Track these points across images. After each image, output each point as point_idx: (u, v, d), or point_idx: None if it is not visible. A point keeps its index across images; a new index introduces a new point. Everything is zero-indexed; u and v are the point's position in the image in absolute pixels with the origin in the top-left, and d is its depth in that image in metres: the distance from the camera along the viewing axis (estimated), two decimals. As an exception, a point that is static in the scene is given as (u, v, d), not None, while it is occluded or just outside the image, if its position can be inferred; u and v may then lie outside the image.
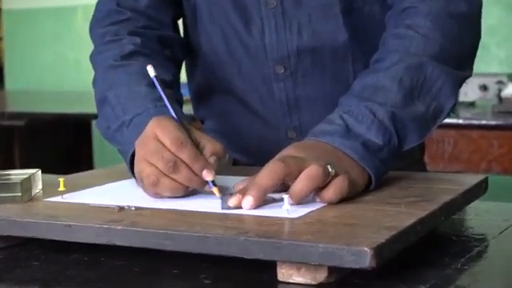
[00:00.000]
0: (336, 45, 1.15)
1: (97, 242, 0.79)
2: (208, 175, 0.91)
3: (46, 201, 0.93)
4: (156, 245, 0.76)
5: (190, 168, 0.90)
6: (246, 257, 0.72)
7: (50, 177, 1.08)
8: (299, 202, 0.84)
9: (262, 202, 0.84)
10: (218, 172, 0.92)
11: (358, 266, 0.68)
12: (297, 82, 1.17)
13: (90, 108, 3.79)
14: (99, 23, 1.21)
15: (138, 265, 0.80)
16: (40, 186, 0.99)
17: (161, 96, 0.97)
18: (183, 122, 0.94)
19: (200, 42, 1.22)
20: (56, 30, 4.37)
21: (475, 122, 2.36)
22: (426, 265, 0.77)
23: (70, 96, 3.93)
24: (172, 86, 1.14)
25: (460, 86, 1.06)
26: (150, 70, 0.95)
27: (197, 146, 0.92)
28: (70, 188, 0.96)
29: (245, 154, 1.25)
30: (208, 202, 0.88)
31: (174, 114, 0.95)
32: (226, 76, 1.21)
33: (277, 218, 0.79)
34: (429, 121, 1.01)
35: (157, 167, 0.90)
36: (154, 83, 0.97)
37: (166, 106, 0.96)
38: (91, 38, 1.23)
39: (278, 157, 0.90)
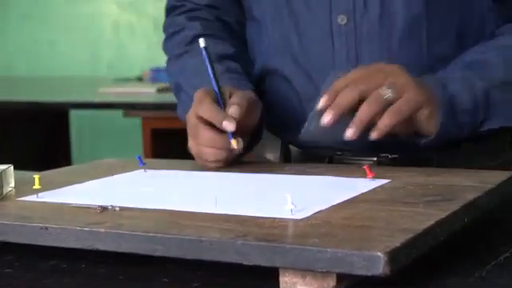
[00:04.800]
0: (408, 3, 1.16)
1: (77, 247, 0.80)
2: (228, 126, 1.05)
3: (20, 200, 0.94)
4: (143, 250, 0.77)
5: (211, 129, 1.06)
6: (244, 263, 0.73)
7: (24, 173, 1.09)
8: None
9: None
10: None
11: (370, 274, 0.69)
12: (361, 37, 1.17)
13: (67, 96, 3.78)
14: (166, 14, 1.39)
15: (124, 272, 0.80)
16: (12, 184, 0.99)
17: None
18: (219, 86, 1.10)
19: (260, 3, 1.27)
20: (27, 8, 4.36)
21: None
22: (445, 272, 0.78)
23: (45, 82, 3.93)
24: (237, 58, 1.27)
25: None
26: (201, 42, 1.12)
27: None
28: (46, 186, 0.97)
29: (298, 128, 1.25)
30: (202, 201, 0.88)
31: (214, 84, 1.11)
32: (281, 36, 1.23)
33: (279, 219, 0.80)
34: None
35: (193, 139, 1.09)
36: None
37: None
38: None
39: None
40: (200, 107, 1.08)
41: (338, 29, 1.18)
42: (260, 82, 1.29)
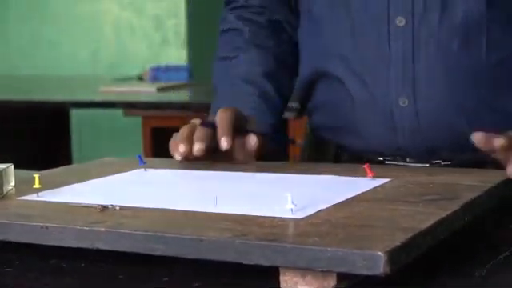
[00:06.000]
0: (470, 7, 1.14)
1: (77, 246, 0.80)
2: (223, 143, 1.11)
3: (20, 199, 0.94)
4: (144, 249, 0.77)
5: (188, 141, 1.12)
6: (244, 262, 0.73)
7: (24, 172, 1.09)
8: None
9: None
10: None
11: (370, 273, 0.69)
12: (419, 40, 1.16)
13: (68, 95, 3.79)
14: (224, 7, 1.41)
15: (124, 271, 0.80)
16: (12, 183, 0.99)
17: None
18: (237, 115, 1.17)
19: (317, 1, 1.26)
20: (27, 7, 4.36)
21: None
22: (445, 272, 0.78)
23: (45, 81, 3.93)
24: (277, 74, 1.31)
25: None
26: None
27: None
28: (47, 185, 0.97)
29: (347, 132, 1.26)
30: (202, 201, 0.88)
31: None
32: (337, 37, 1.23)
33: (279, 218, 0.80)
34: None
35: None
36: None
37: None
38: None
39: None
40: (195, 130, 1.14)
41: (396, 31, 1.17)
42: (310, 85, 1.30)
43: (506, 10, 1.15)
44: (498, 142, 0.99)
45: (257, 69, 1.30)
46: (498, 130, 1.03)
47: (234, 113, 1.17)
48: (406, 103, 1.18)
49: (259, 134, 1.18)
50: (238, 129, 1.16)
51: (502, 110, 1.17)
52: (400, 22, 1.16)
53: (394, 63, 1.18)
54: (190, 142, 1.12)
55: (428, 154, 1.18)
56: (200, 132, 1.13)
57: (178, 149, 1.12)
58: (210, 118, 1.18)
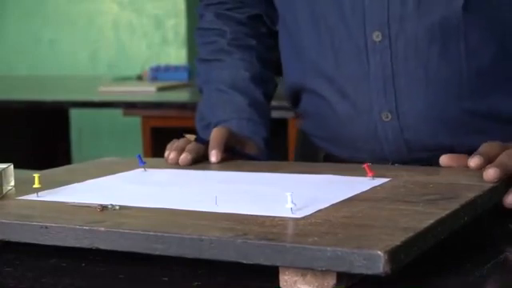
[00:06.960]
0: (447, 13, 1.13)
1: (77, 246, 0.80)
2: (213, 157, 1.15)
3: (19, 199, 0.94)
4: (144, 249, 0.77)
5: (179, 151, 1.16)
6: (244, 262, 0.73)
7: (24, 172, 1.09)
8: None
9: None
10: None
11: (370, 272, 0.69)
12: (397, 54, 1.16)
13: (67, 95, 3.78)
14: (200, 2, 1.42)
15: (124, 271, 0.80)
16: (12, 183, 1.00)
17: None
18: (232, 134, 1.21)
19: (296, 14, 1.25)
20: (27, 7, 4.36)
21: None
22: (445, 271, 0.78)
23: (45, 81, 3.94)
24: (262, 77, 1.34)
25: None
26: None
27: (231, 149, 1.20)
28: (46, 185, 0.97)
29: (334, 143, 1.27)
30: (202, 200, 0.88)
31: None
32: (317, 52, 1.23)
33: (279, 217, 0.80)
34: None
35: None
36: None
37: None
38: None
39: None
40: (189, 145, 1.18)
41: (373, 46, 1.16)
42: (295, 94, 1.31)
43: (483, 15, 1.14)
44: (474, 162, 1.00)
45: (243, 73, 1.32)
46: (481, 140, 1.03)
47: (228, 132, 1.20)
48: (389, 117, 1.18)
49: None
50: (230, 149, 1.19)
51: (485, 119, 1.17)
52: (377, 37, 1.16)
53: (374, 78, 1.18)
54: (180, 152, 1.16)
55: (415, 163, 1.18)
56: (192, 145, 1.17)
57: (169, 156, 1.16)
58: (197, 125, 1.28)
